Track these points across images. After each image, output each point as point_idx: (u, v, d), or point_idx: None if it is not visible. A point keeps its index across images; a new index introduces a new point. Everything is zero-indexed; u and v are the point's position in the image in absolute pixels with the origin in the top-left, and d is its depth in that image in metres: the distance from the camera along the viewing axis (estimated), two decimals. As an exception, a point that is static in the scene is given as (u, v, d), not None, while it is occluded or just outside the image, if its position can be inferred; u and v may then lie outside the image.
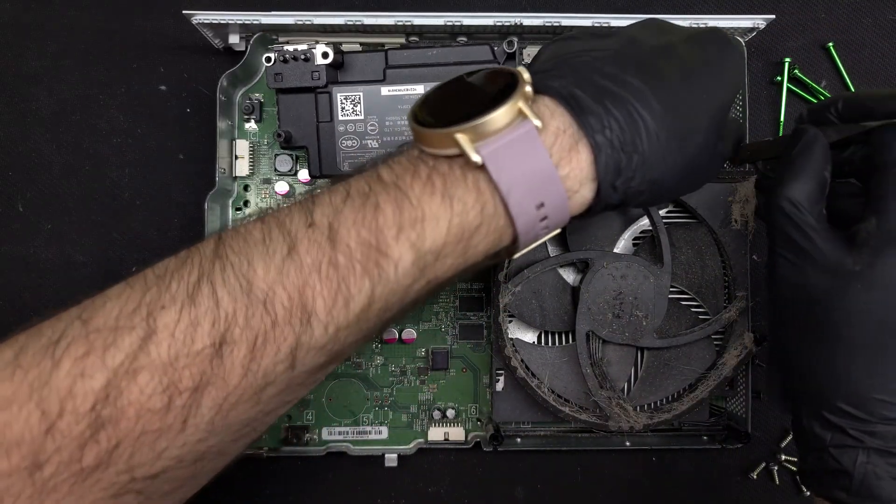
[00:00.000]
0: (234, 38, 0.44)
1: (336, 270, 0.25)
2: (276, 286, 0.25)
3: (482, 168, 0.25)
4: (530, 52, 0.45)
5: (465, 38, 0.44)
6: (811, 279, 0.30)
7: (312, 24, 0.42)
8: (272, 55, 0.39)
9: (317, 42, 0.38)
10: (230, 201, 0.46)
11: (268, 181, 0.46)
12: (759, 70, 0.48)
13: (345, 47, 0.45)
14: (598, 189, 0.27)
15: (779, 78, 0.48)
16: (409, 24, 0.42)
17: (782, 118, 0.48)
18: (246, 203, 0.46)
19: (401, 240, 0.25)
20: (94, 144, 0.47)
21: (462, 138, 0.25)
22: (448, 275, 0.27)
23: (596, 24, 0.41)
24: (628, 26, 0.33)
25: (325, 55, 0.38)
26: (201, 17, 0.41)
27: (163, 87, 0.47)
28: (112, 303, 0.26)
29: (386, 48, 0.41)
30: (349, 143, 0.39)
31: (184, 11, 0.40)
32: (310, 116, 0.40)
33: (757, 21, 0.42)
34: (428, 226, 0.25)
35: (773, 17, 0.42)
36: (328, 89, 0.39)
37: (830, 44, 0.48)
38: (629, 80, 0.27)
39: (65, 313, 0.26)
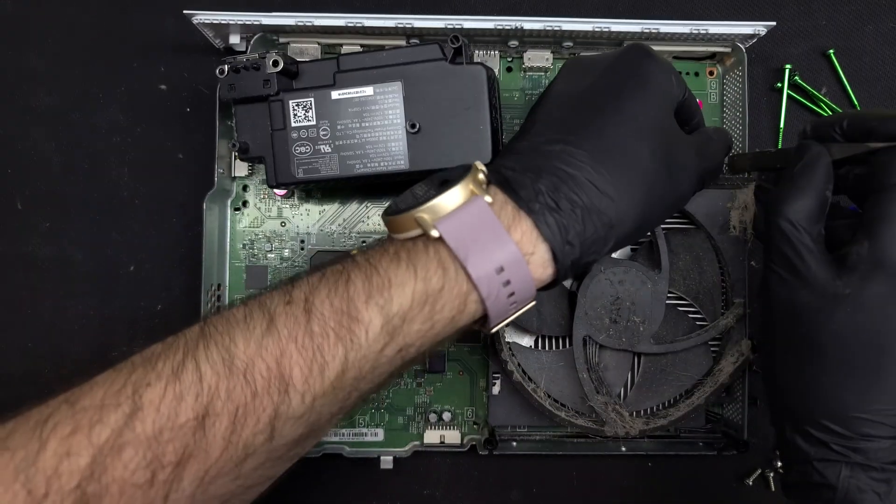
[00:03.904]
0: (234, 39, 0.44)
1: (311, 339, 0.27)
2: (255, 358, 0.27)
3: (441, 240, 0.28)
4: (530, 55, 0.45)
5: (417, 40, 0.44)
6: (802, 298, 0.30)
7: (313, 26, 0.42)
8: (224, 66, 0.38)
9: (267, 52, 0.38)
10: (229, 201, 0.46)
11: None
12: (759, 77, 0.48)
13: (345, 49, 0.45)
14: (552, 249, 0.28)
15: (779, 85, 0.48)
16: (409, 26, 0.42)
17: (782, 125, 0.48)
18: (245, 203, 0.46)
19: (370, 305, 0.27)
20: (93, 143, 0.47)
21: (421, 218, 0.28)
22: (418, 342, 0.28)
23: (596, 29, 0.41)
24: (554, 81, 0.36)
25: (275, 63, 0.38)
26: (202, 17, 0.41)
27: (163, 87, 0.47)
28: (99, 385, 0.27)
29: (338, 54, 0.40)
30: (303, 149, 0.39)
31: (184, 11, 0.40)
32: (265, 126, 0.39)
33: (758, 27, 0.42)
34: (395, 291, 0.27)
35: (774, 23, 0.42)
36: (280, 97, 0.39)
37: (831, 51, 0.48)
38: (550, 147, 0.30)
39: (52, 399, 0.27)
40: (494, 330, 0.31)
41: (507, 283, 0.28)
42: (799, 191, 0.31)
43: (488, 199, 0.29)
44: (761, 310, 0.34)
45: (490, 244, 0.27)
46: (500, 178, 0.30)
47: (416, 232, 0.29)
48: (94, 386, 0.27)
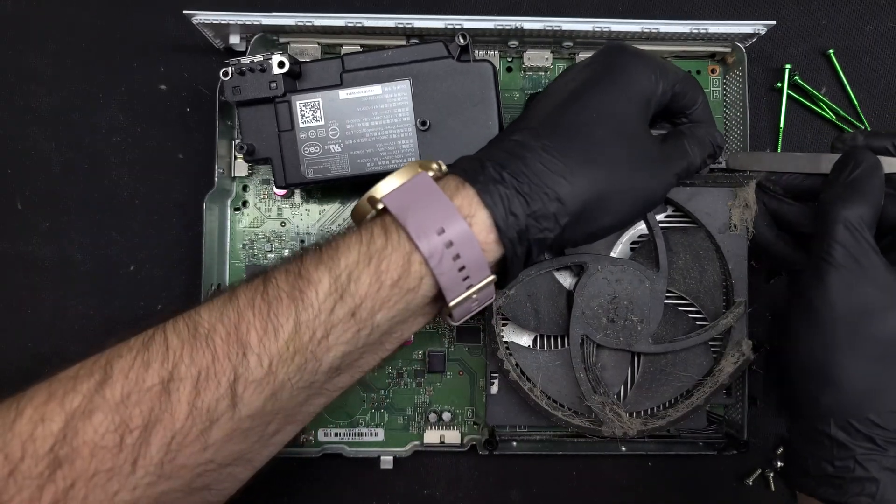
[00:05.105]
0: (234, 39, 0.44)
1: (266, 303, 0.29)
2: (216, 324, 0.29)
3: (386, 210, 0.30)
4: (530, 55, 0.45)
5: (416, 40, 0.44)
6: (868, 295, 0.32)
7: (313, 26, 0.42)
8: (229, 69, 0.39)
9: (272, 53, 0.38)
10: (229, 201, 0.46)
11: (266, 181, 0.46)
12: (759, 76, 0.48)
13: (345, 49, 0.45)
14: (493, 216, 0.30)
15: (779, 84, 0.48)
16: (409, 26, 0.42)
17: (782, 125, 0.48)
18: (245, 203, 0.46)
19: (320, 268, 0.29)
20: (93, 143, 0.47)
21: (371, 197, 0.31)
22: (368, 302, 0.29)
23: (596, 29, 0.41)
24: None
25: (280, 64, 0.38)
26: (202, 17, 0.41)
27: (163, 87, 0.47)
28: (76, 364, 0.29)
29: (342, 54, 0.41)
30: (312, 149, 0.39)
31: (184, 11, 0.40)
32: (271, 127, 0.40)
33: (758, 27, 0.42)
34: (341, 253, 0.30)
35: (774, 23, 0.42)
36: (287, 98, 0.39)
37: (831, 51, 0.48)
38: (511, 137, 0.32)
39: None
40: (453, 303, 0.31)
41: (451, 244, 0.29)
42: (862, 195, 0.33)
43: (430, 173, 0.31)
44: (797, 304, 0.34)
45: (429, 207, 0.29)
46: (457, 167, 0.32)
47: (371, 213, 0.32)
48: (72, 365, 0.29)
